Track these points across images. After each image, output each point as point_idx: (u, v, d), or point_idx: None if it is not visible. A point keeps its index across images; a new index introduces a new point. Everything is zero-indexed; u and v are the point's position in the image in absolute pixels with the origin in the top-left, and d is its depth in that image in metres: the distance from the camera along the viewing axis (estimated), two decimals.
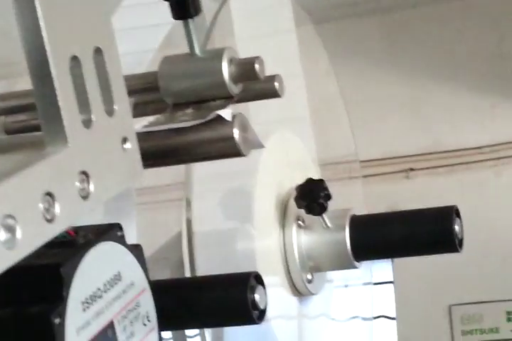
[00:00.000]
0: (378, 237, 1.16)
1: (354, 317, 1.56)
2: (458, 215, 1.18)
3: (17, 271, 0.67)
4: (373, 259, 1.28)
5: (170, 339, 1.08)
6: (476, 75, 5.01)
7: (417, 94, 5.02)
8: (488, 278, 4.79)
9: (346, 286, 1.52)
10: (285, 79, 0.86)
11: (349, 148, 1.39)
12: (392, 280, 4.55)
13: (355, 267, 1.16)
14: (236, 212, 1.10)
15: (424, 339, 4.87)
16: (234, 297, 0.86)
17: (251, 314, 0.84)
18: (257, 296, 0.84)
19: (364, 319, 1.59)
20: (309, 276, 1.17)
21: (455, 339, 4.84)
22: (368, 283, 1.63)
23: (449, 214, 1.17)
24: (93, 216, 0.74)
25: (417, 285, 4.86)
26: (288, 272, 1.15)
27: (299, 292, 1.18)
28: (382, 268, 4.55)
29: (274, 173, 1.15)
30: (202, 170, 1.04)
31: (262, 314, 0.85)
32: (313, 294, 1.20)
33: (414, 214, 1.23)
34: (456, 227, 1.16)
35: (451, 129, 4.85)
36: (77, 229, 0.71)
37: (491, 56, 5.04)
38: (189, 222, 1.03)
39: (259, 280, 0.86)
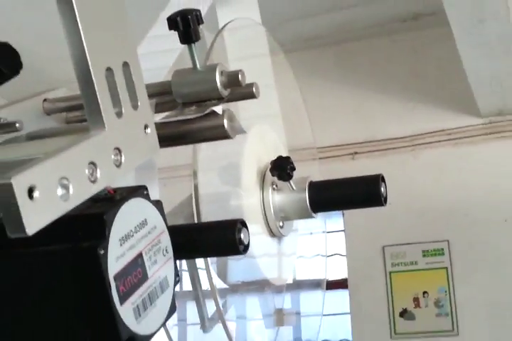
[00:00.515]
0: (328, 195, 1.18)
1: (316, 255, 1.55)
2: (383, 180, 1.19)
3: (74, 217, 0.66)
4: (324, 211, 1.25)
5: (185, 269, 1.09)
6: (401, 88, 5.00)
7: (360, 101, 5.04)
8: (409, 226, 4.78)
9: (311, 234, 1.52)
10: (262, 89, 0.86)
11: (309, 139, 1.41)
12: (343, 229, 4.58)
13: (313, 217, 1.18)
14: (229, 179, 1.12)
15: (366, 269, 4.88)
16: (226, 236, 0.86)
17: (238, 248, 0.85)
18: (242, 235, 0.84)
19: (322, 256, 1.58)
20: (281, 223, 1.20)
21: (386, 268, 4.84)
22: (324, 232, 1.62)
23: (376, 179, 1.19)
24: (126, 180, 0.74)
25: (360, 232, 4.86)
26: (266, 220, 1.17)
27: (274, 234, 1.20)
28: (336, 221, 4.57)
29: (256, 153, 1.18)
30: (204, 151, 1.04)
31: (246, 248, 0.86)
32: (283, 236, 1.21)
33: (353, 180, 1.25)
34: (382, 189, 1.19)
35: (383, 125, 4.87)
36: (115, 189, 0.71)
37: (410, 75, 5.02)
38: (196, 187, 1.03)
39: (243, 224, 0.86)
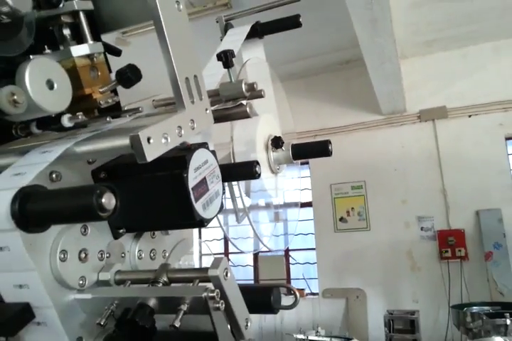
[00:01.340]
0: (300, 151, 1.12)
1: (295, 189, 1.52)
2: (330, 143, 1.14)
3: (170, 158, 0.66)
4: (298, 159, 1.14)
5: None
6: (340, 100, 4.95)
7: (318, 108, 4.97)
8: (344, 173, 4.77)
9: (292, 178, 1.49)
10: (266, 95, 0.84)
11: (292, 127, 1.36)
12: (310, 175, 4.44)
13: (293, 162, 1.13)
14: (249, 145, 1.07)
15: (321, 196, 4.87)
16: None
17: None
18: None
19: (299, 189, 1.55)
20: (277, 167, 1.15)
21: (332, 196, 4.83)
22: (299, 177, 1.57)
23: (325, 142, 1.12)
24: (197, 139, 0.74)
25: (319, 176, 4.84)
26: (269, 165, 1.13)
27: (274, 172, 1.15)
28: (306, 171, 4.37)
29: (263, 132, 1.12)
30: (237, 127, 1.02)
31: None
32: (278, 173, 1.17)
33: (316, 142, 1.15)
34: (330, 146, 1.13)
35: (330, 120, 4.85)
36: (190, 144, 0.71)
37: (345, 93, 4.97)
38: (233, 147, 1.02)
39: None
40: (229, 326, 0.63)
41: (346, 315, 4.42)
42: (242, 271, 5.07)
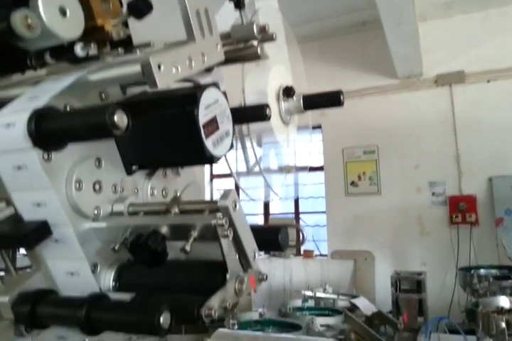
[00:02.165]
0: (310, 100, 1.11)
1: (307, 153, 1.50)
2: (341, 93, 1.12)
3: (182, 95, 0.67)
4: (309, 109, 1.11)
5: None
6: (355, 64, 4.86)
7: (332, 72, 4.88)
8: (357, 137, 4.74)
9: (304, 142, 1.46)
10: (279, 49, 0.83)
11: (306, 90, 1.31)
12: (322, 139, 4.36)
13: (304, 112, 1.12)
14: (260, 95, 1.06)
15: (333, 161, 4.87)
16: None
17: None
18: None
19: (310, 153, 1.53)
20: (288, 118, 1.15)
21: (344, 160, 4.83)
22: (311, 141, 1.54)
23: (337, 93, 1.10)
24: (207, 80, 0.75)
25: (331, 141, 4.82)
26: (280, 115, 1.13)
27: (285, 123, 1.15)
28: (318, 135, 4.30)
29: (274, 81, 1.11)
30: (247, 78, 1.00)
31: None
32: (289, 124, 1.16)
33: (326, 93, 1.11)
34: (341, 97, 1.11)
35: (344, 84, 4.76)
36: (199, 84, 0.71)
37: (360, 57, 4.87)
38: (244, 98, 1.00)
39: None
40: (237, 256, 0.65)
41: (354, 275, 4.50)
42: None
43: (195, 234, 0.58)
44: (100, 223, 0.64)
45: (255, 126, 0.99)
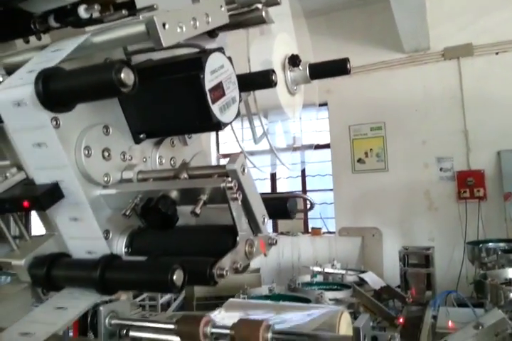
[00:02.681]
0: (316, 69, 1.09)
1: (313, 131, 1.49)
2: (348, 60, 1.10)
3: (187, 59, 0.66)
4: (316, 78, 1.09)
5: None
6: (361, 38, 4.79)
7: (338, 45, 4.81)
8: (363, 114, 4.70)
9: (311, 120, 1.45)
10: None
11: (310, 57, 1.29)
12: (328, 117, 4.27)
13: (310, 82, 1.11)
14: (265, 64, 1.03)
15: (340, 138, 4.84)
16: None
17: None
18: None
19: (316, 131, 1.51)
20: (294, 88, 1.13)
21: (351, 137, 4.80)
22: (317, 119, 1.51)
23: (344, 61, 1.07)
24: (212, 45, 0.74)
25: (337, 118, 4.79)
26: (287, 85, 1.11)
27: (291, 93, 1.13)
28: (324, 113, 4.16)
29: (280, 50, 1.09)
30: (252, 47, 0.99)
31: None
32: (296, 93, 1.15)
33: (333, 61, 1.08)
34: (348, 65, 1.09)
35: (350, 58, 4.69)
36: (204, 48, 0.70)
37: (367, 30, 4.79)
38: (250, 67, 0.99)
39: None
40: (247, 220, 0.66)
41: (362, 252, 4.54)
42: None
43: (204, 197, 0.59)
44: (110, 190, 0.64)
45: (261, 97, 0.98)
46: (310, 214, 5.05)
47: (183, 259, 0.56)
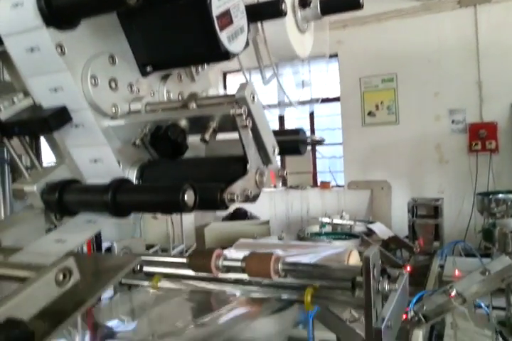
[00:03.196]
0: (328, 4, 1.03)
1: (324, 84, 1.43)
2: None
3: None
4: (328, 14, 1.03)
5: None
6: None
7: None
8: (374, 65, 4.58)
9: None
10: None
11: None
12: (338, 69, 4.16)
13: (321, 18, 1.05)
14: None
15: (350, 91, 4.75)
16: None
17: None
18: None
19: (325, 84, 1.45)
20: (305, 26, 1.09)
21: (361, 90, 4.71)
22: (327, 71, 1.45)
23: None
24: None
25: (347, 70, 4.68)
26: (297, 23, 1.07)
27: (301, 31, 1.09)
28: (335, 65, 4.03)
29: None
30: None
31: None
32: (306, 32, 1.11)
33: None
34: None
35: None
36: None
37: None
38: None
39: None
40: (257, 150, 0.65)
41: (370, 205, 4.57)
42: None
43: (213, 125, 0.58)
44: (119, 121, 0.64)
45: (270, 34, 0.95)
46: (319, 168, 5.05)
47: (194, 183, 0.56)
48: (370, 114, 4.66)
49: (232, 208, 4.93)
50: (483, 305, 2.02)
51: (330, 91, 4.76)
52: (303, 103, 1.36)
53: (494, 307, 1.92)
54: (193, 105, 0.64)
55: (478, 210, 3.33)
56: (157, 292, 0.84)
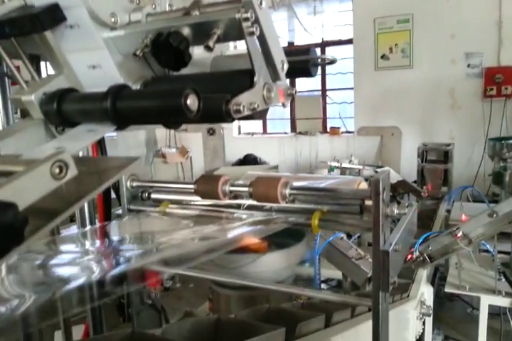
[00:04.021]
0: None
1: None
2: None
3: None
4: None
5: None
6: None
7: None
8: (394, 2, 4.36)
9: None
10: None
11: None
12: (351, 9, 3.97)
13: None
14: None
15: (363, 32, 4.57)
16: None
17: None
18: None
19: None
20: None
21: (376, 31, 4.52)
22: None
23: None
24: None
25: (360, 9, 4.48)
26: None
27: None
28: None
29: None
30: None
31: None
32: None
33: None
34: None
35: None
36: None
37: None
38: None
39: None
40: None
41: (380, 151, 4.53)
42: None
43: (218, 31, 0.55)
44: (119, 31, 0.60)
45: None
46: (329, 113, 4.97)
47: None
48: (383, 57, 4.50)
49: (242, 153, 4.95)
50: (488, 246, 2.05)
51: (343, 33, 4.59)
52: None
53: (498, 252, 1.94)
54: (196, 12, 0.59)
55: (489, 155, 3.29)
56: (165, 218, 0.84)
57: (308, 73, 0.76)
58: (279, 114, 5.18)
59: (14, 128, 0.51)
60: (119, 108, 0.47)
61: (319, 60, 0.78)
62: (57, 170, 0.35)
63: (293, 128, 5.11)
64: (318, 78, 4.90)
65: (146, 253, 0.68)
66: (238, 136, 5.38)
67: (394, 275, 0.71)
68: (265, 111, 0.60)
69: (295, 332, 0.84)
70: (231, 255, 1.27)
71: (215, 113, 0.52)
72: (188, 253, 0.68)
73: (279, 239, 1.58)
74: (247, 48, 0.56)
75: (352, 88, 4.74)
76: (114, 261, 0.66)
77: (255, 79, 0.58)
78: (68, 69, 0.54)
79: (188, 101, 0.45)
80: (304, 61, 0.74)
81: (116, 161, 0.43)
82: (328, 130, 4.89)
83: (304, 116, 4.86)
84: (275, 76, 0.63)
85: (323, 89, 4.95)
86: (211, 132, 4.09)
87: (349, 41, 4.65)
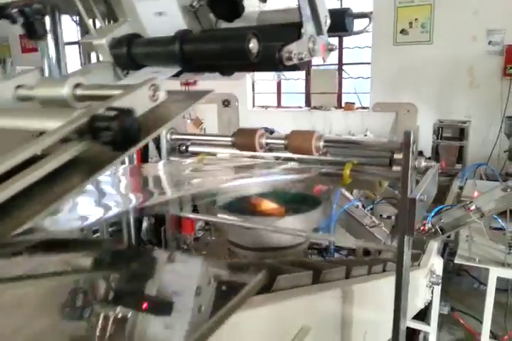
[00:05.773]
0: None
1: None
2: None
3: None
4: None
5: None
6: None
7: None
8: None
9: None
10: None
11: None
12: None
13: None
14: None
15: (382, 8, 4.52)
16: None
17: None
18: None
19: None
20: None
21: (395, 5, 4.47)
22: None
23: None
24: None
25: None
26: None
27: None
28: None
29: None
30: None
31: None
32: None
33: None
34: None
35: None
36: None
37: None
38: None
39: None
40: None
41: (394, 127, 4.56)
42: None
43: None
44: None
45: None
46: (344, 88, 4.98)
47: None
48: (402, 31, 4.47)
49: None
50: (500, 220, 2.10)
51: (362, 6, 4.55)
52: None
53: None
54: None
55: (505, 133, 3.32)
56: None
57: (344, 28, 0.81)
58: (292, 87, 5.19)
59: (84, 70, 0.57)
60: (186, 50, 0.53)
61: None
62: (151, 93, 0.41)
63: (307, 103, 5.13)
64: (334, 52, 4.87)
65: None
66: (252, 109, 5.41)
67: (418, 222, 0.77)
68: (307, 62, 0.66)
69: (319, 279, 0.92)
70: (250, 217, 1.34)
71: (269, 59, 0.57)
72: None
73: (296, 206, 1.65)
74: (298, 1, 0.62)
75: (369, 63, 4.73)
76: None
77: (302, 30, 0.63)
78: (134, 17, 0.60)
79: (251, 45, 0.50)
80: (340, 14, 0.79)
81: (190, 93, 0.49)
82: (343, 105, 4.91)
83: (319, 91, 4.87)
84: (319, 30, 0.68)
85: (340, 63, 4.95)
86: (226, 104, 4.09)
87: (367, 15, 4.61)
